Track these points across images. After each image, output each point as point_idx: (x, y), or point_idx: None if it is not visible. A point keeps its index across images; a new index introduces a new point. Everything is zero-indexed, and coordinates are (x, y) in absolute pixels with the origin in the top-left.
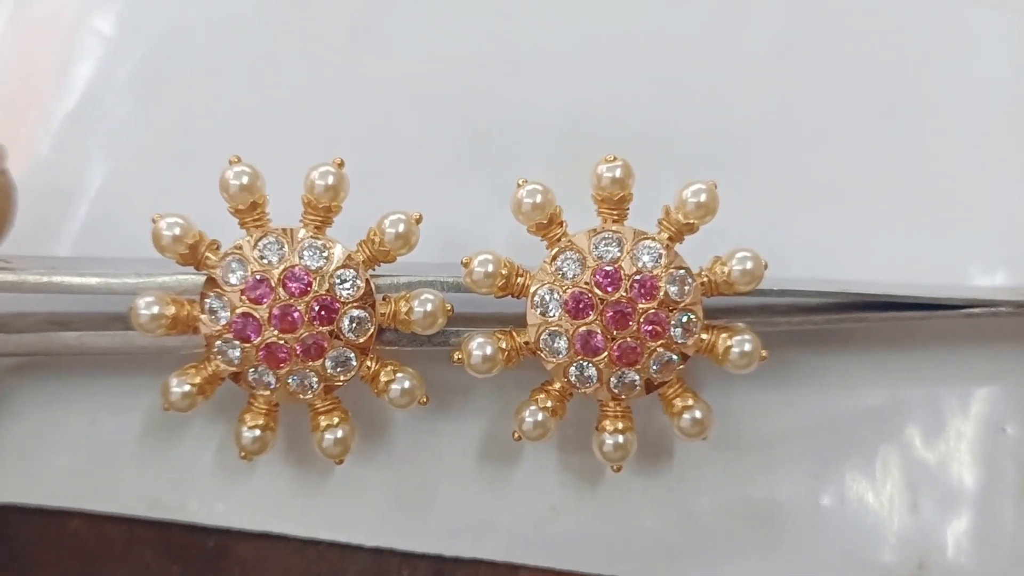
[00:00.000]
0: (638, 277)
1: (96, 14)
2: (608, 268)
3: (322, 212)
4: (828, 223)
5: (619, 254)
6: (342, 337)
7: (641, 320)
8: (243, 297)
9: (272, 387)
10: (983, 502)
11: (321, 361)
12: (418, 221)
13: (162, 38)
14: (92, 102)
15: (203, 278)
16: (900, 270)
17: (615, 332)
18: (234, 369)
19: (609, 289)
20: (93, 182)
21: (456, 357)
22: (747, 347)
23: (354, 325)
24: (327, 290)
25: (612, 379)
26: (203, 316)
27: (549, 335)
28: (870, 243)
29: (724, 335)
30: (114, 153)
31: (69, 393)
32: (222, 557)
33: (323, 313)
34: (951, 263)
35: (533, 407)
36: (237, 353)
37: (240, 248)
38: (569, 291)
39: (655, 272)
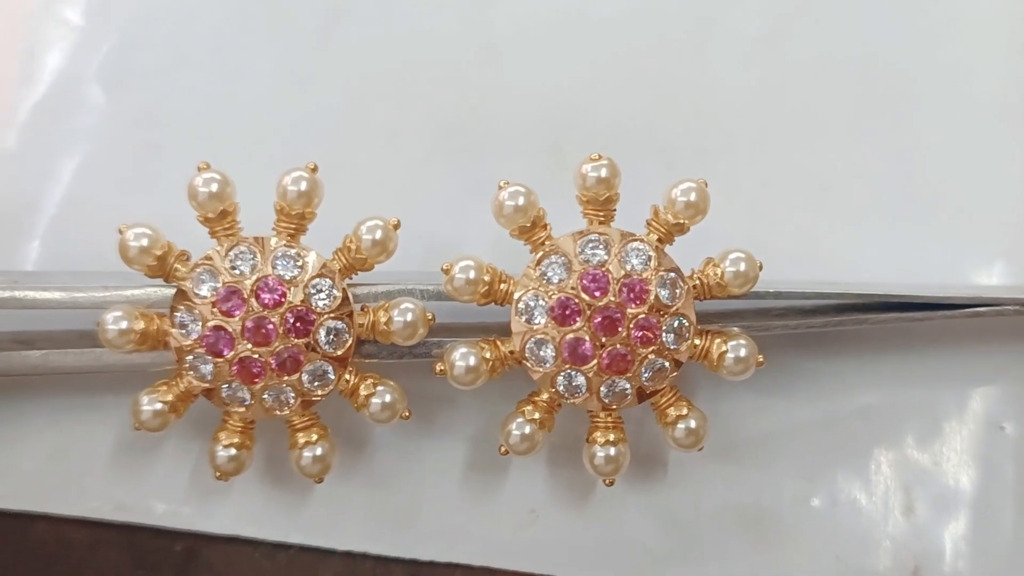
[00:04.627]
0: (627, 281)
1: (63, 3)
2: (595, 272)
3: (295, 219)
4: (816, 217)
5: (606, 257)
6: (319, 350)
7: (631, 326)
8: (214, 309)
9: (247, 403)
10: (981, 504)
11: (297, 375)
12: (396, 227)
13: (130, 28)
14: (59, 94)
15: (172, 291)
16: (892, 264)
17: (604, 339)
18: (207, 385)
19: (597, 294)
20: (60, 179)
21: (439, 368)
22: (743, 352)
23: (331, 337)
24: (302, 300)
25: (602, 388)
26: (173, 330)
27: (535, 343)
28: (860, 237)
29: (718, 340)
30: (81, 147)
31: (34, 409)
32: (190, 561)
33: (298, 325)
34: (946, 256)
35: (520, 419)
36: (209, 368)
37: (210, 258)
38: (555, 297)
39: (644, 275)
